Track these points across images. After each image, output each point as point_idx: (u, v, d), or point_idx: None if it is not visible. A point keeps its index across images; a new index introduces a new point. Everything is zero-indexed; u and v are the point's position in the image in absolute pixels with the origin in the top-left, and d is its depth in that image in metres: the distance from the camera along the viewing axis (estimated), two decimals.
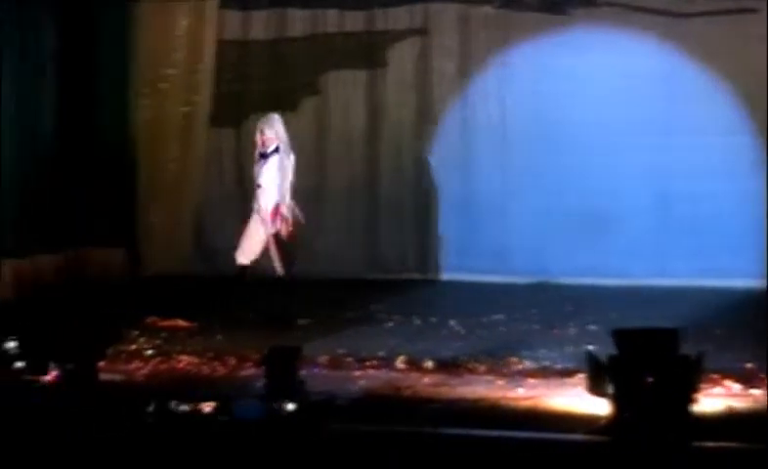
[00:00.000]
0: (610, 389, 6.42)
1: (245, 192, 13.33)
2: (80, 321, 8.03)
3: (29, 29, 12.10)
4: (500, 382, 7.93)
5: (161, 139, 13.37)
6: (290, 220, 10.17)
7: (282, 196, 10.12)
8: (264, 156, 10.19)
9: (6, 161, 11.49)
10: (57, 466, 6.04)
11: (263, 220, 10.14)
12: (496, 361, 8.50)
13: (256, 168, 10.26)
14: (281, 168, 10.14)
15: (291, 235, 10.23)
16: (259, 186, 10.21)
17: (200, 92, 13.34)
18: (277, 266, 10.17)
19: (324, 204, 13.30)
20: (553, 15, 12.74)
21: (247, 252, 10.21)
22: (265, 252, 10.21)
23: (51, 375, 7.65)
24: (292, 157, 10.29)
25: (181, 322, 10.02)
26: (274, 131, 10.17)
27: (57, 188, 12.17)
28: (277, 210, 10.10)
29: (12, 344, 7.70)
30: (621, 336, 6.63)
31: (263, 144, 10.18)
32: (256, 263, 10.27)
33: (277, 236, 10.13)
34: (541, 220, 12.68)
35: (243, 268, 10.24)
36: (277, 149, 10.13)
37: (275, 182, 10.11)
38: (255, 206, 10.21)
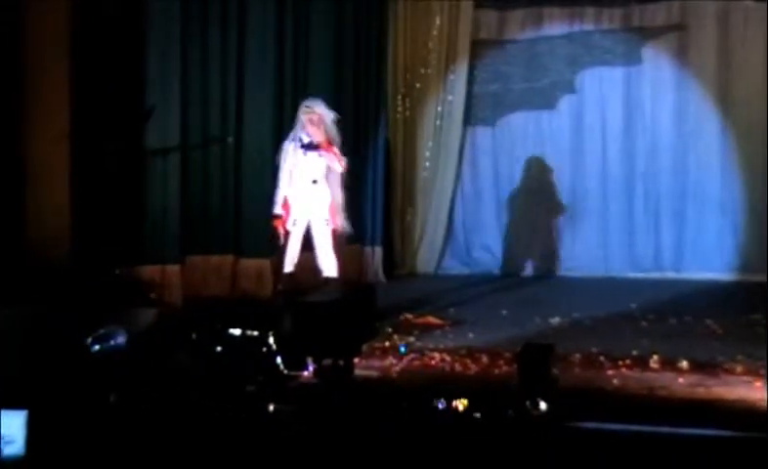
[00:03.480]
0: None
1: (500, 192, 13.45)
2: (337, 318, 8.17)
3: None
4: (759, 384, 7.60)
5: (416, 139, 13.52)
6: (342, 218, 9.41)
7: (337, 192, 9.32)
8: (312, 147, 9.18)
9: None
10: (313, 460, 6.13)
11: (320, 218, 9.31)
12: (755, 362, 8.17)
13: (303, 160, 9.23)
14: (332, 160, 9.22)
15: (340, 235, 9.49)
16: (315, 182, 9.27)
17: (455, 92, 13.41)
18: (332, 267, 9.38)
19: (581, 202, 13.23)
20: None
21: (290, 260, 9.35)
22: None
23: (309, 371, 7.83)
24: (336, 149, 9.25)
25: (433, 320, 10.07)
26: (319, 115, 9.12)
27: None
28: (335, 207, 9.32)
29: (270, 339, 7.88)
30: None
31: (311, 133, 9.14)
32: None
33: (335, 234, 9.38)
34: None
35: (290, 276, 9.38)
36: (326, 141, 9.18)
37: (334, 176, 9.28)
38: (294, 205, 9.28)
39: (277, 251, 9.65)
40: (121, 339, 7.85)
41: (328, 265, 9.42)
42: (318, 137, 9.22)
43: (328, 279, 9.43)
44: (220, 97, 11.56)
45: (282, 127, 11.81)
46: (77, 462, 5.84)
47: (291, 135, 9.41)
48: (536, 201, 13.35)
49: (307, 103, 9.38)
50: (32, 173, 9.77)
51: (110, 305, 8.95)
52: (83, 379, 7.10)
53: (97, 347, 7.65)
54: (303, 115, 9.26)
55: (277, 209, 9.34)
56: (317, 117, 9.20)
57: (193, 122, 11.35)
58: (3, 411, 5.75)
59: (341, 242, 9.65)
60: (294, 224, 9.37)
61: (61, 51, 9.90)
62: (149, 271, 10.66)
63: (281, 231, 9.36)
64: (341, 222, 9.47)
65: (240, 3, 11.61)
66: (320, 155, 9.24)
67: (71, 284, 9.25)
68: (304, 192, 9.30)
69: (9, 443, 5.72)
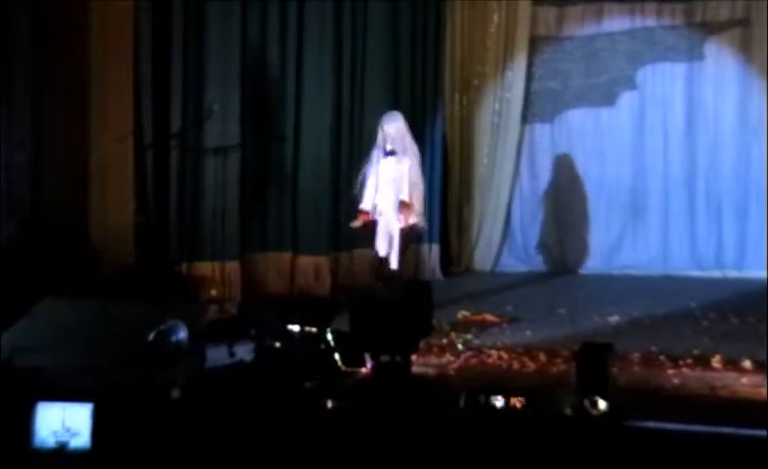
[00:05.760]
0: None
1: (558, 189, 13.41)
2: (394, 315, 8.18)
3: None
4: None
5: (474, 136, 13.51)
6: (413, 216, 9.96)
7: (409, 193, 9.85)
8: (390, 153, 9.90)
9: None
10: (370, 457, 6.16)
11: (390, 215, 9.93)
12: None
13: (383, 164, 9.91)
14: (410, 165, 9.90)
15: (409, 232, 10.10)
16: (394, 180, 9.88)
17: (513, 89, 13.39)
18: (394, 261, 9.93)
19: (641, 200, 13.18)
20: None
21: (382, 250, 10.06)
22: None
23: (367, 367, 7.86)
24: (416, 152, 10.07)
25: (490, 317, 10.08)
26: (395, 127, 9.89)
27: None
28: (402, 207, 9.86)
29: (328, 336, 7.91)
30: None
31: (387, 140, 9.91)
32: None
33: (403, 232, 9.94)
34: None
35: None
36: (401, 146, 9.90)
37: (405, 178, 9.84)
38: (378, 202, 9.94)
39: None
40: (182, 335, 7.91)
41: (392, 259, 9.91)
42: (396, 144, 9.89)
43: (387, 271, 9.91)
44: (278, 96, 11.61)
45: (340, 126, 11.94)
46: (142, 455, 5.90)
47: (376, 146, 10.02)
48: (595, 199, 13.30)
49: (386, 116, 10.10)
50: (96, 171, 9.88)
51: (172, 301, 9.04)
52: (146, 373, 7.17)
53: (159, 342, 7.72)
54: (382, 128, 9.99)
55: (365, 206, 9.97)
56: (394, 128, 9.91)
57: (253, 121, 11.42)
58: (69, 404, 5.82)
59: (409, 241, 10.24)
60: (380, 214, 9.96)
61: (124, 51, 10.01)
62: (210, 267, 10.76)
63: (365, 219, 9.99)
64: (412, 220, 9.96)
65: (299, 4, 11.66)
66: (397, 161, 9.88)
67: (134, 280, 9.36)
68: (386, 189, 9.90)
69: (75, 435, 5.79)
